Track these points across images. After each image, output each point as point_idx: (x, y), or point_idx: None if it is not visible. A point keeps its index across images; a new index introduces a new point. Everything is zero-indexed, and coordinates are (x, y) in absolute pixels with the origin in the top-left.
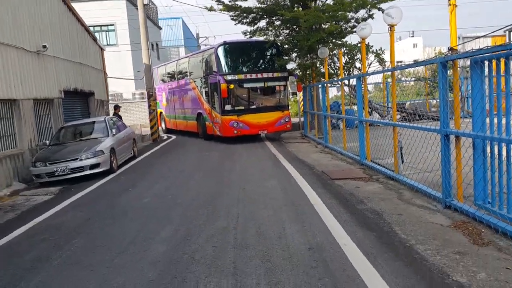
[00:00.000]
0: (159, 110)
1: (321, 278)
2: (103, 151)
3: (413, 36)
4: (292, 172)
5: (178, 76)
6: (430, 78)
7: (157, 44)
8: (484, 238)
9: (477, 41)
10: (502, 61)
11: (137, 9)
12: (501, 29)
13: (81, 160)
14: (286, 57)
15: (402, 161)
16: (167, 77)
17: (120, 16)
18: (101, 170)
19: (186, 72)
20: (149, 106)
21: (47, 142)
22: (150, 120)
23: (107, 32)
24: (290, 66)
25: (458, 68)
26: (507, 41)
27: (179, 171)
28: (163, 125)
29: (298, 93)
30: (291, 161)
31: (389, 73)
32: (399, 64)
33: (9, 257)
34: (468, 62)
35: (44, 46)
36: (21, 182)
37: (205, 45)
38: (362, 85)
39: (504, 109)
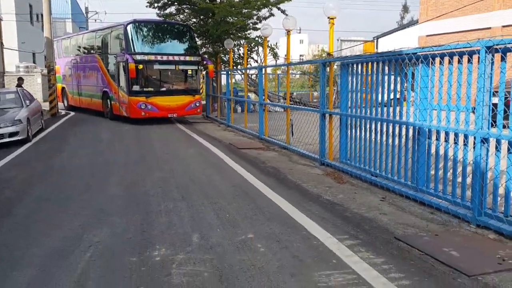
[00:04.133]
0: (61, 85)
1: (244, 199)
2: (21, 120)
3: (300, 33)
4: (204, 143)
5: (84, 51)
6: (313, 73)
7: (42, 15)
8: (344, 180)
9: (353, 43)
10: (359, 65)
11: None
12: (370, 40)
13: (0, 128)
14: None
15: (292, 135)
16: (72, 50)
17: None
18: (19, 138)
19: (93, 47)
20: (49, 80)
21: None
22: (50, 95)
23: None
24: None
25: (334, 68)
26: (375, 46)
27: (97, 140)
28: (65, 102)
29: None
30: (201, 136)
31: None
32: (292, 60)
33: None
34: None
35: None
36: None
37: (95, 20)
38: (263, 75)
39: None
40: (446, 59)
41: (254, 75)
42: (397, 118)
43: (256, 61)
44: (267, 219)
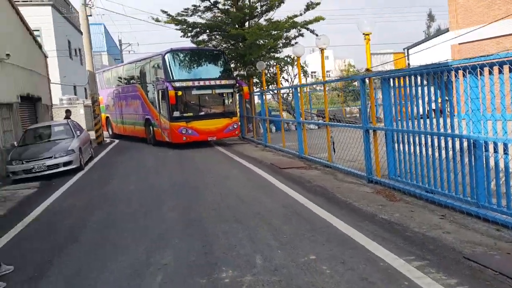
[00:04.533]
0: (105, 115)
1: (297, 220)
2: (74, 150)
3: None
4: (246, 164)
5: (125, 81)
6: (344, 89)
7: (79, 50)
8: (397, 197)
9: (383, 56)
10: (401, 79)
11: (61, 14)
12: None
13: (55, 158)
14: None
15: (334, 152)
16: (113, 81)
17: (46, 22)
18: (73, 167)
19: (133, 77)
20: (94, 111)
21: (15, 143)
22: (95, 124)
23: None
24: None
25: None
26: (406, 57)
27: (143, 166)
28: (109, 130)
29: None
30: (241, 157)
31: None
32: (320, 77)
33: (53, 225)
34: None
35: (8, 55)
36: None
37: (128, 52)
38: (299, 94)
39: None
40: (496, 68)
41: (286, 94)
42: (449, 131)
43: (287, 80)
44: (326, 240)
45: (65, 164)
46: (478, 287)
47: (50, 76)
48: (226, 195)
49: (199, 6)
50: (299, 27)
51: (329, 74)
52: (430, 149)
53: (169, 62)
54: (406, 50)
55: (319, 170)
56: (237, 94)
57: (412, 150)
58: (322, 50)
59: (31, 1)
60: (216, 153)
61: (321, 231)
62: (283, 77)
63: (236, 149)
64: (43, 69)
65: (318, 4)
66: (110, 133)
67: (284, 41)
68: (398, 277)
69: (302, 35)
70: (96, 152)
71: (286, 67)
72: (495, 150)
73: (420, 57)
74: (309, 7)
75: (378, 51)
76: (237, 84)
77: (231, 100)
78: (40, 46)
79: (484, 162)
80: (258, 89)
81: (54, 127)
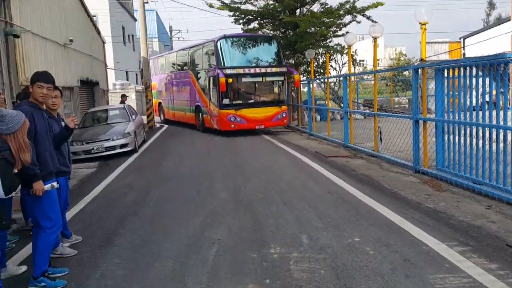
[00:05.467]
0: (158, 100)
1: (343, 205)
2: (130, 133)
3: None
4: (292, 152)
5: (177, 67)
6: (394, 78)
7: (132, 36)
8: (444, 187)
9: (437, 45)
10: (456, 70)
11: (118, 2)
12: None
13: (113, 140)
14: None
15: (381, 142)
16: (167, 68)
17: (102, 8)
18: (128, 149)
19: (186, 64)
20: (146, 96)
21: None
22: (147, 109)
23: None
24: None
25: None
26: (462, 47)
27: (194, 150)
28: (161, 116)
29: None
30: (286, 145)
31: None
32: (370, 66)
33: (114, 201)
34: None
35: (71, 40)
36: None
37: (178, 38)
38: (347, 83)
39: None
40: None
41: (333, 83)
42: (501, 123)
43: (335, 69)
44: (371, 224)
45: (122, 146)
46: None
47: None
48: (273, 180)
49: None
50: (354, 13)
51: (379, 63)
52: (480, 141)
53: (221, 48)
54: (462, 39)
55: (365, 160)
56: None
57: (462, 141)
58: (375, 39)
59: None
60: (262, 140)
61: (366, 216)
62: (331, 66)
63: (281, 137)
64: (101, 54)
65: None
66: (162, 118)
67: (335, 28)
68: (439, 260)
69: (357, 21)
70: (148, 136)
71: (335, 56)
72: None
73: (476, 47)
74: None
75: (432, 40)
76: (288, 71)
77: (281, 89)
78: (98, 32)
79: None
80: (304, 78)
81: (111, 111)
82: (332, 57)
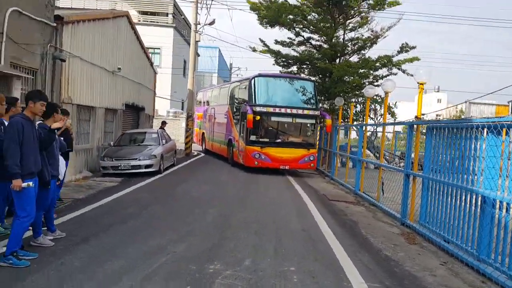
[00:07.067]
0: (201, 130)
1: (306, 241)
2: (155, 156)
3: (438, 91)
4: (300, 193)
5: (220, 101)
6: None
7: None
8: (416, 241)
9: (483, 106)
10: (445, 130)
11: (181, 36)
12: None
13: (139, 160)
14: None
15: (383, 193)
16: (211, 100)
17: (166, 41)
18: (152, 170)
19: (226, 98)
20: (187, 125)
21: (111, 143)
22: (186, 137)
23: (153, 54)
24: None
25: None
26: (510, 111)
27: (213, 180)
28: (203, 145)
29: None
30: (302, 186)
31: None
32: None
33: (114, 211)
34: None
35: (119, 68)
36: (88, 171)
37: (237, 75)
38: (364, 132)
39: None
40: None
41: (369, 132)
42: (469, 185)
43: (372, 118)
44: (315, 259)
45: (146, 166)
46: None
47: (163, 91)
48: (263, 213)
49: (294, 39)
50: (391, 66)
51: (438, 119)
52: (453, 200)
53: (254, 86)
54: (510, 103)
55: (365, 207)
56: (319, 126)
57: (440, 200)
58: (421, 84)
59: (158, 22)
60: (281, 179)
61: (319, 253)
62: (369, 116)
63: (302, 179)
64: (151, 83)
65: (413, 48)
66: (203, 147)
67: (371, 79)
68: None
69: (393, 73)
70: (179, 161)
71: (374, 105)
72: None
73: None
74: (402, 49)
75: (482, 100)
76: (320, 115)
77: (312, 131)
78: (151, 64)
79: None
80: (342, 124)
81: (145, 134)
82: (371, 106)
